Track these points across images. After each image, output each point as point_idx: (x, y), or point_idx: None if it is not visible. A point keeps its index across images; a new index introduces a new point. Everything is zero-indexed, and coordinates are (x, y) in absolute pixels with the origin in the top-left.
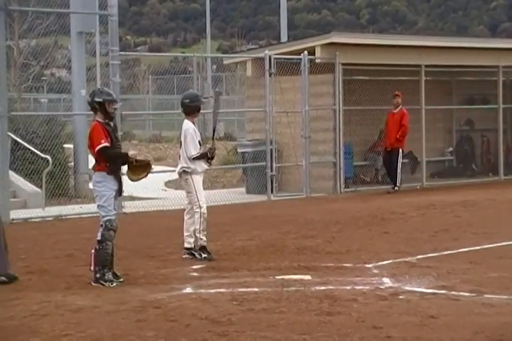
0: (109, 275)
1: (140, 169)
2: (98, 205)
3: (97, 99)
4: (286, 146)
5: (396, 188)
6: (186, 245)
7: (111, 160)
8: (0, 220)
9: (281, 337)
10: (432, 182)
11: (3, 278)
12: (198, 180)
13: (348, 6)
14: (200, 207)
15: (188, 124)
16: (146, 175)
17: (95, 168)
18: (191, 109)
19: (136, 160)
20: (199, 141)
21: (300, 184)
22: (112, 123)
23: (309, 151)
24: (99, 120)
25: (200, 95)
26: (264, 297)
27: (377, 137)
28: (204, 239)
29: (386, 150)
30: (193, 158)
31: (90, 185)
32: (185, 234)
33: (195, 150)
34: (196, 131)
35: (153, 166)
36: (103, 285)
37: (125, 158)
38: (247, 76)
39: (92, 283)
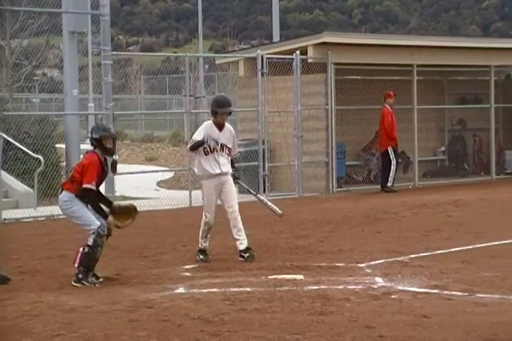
0: (92, 279)
1: (124, 215)
2: (77, 224)
3: (94, 136)
4: (279, 146)
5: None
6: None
7: (89, 202)
8: None
9: (273, 337)
10: (424, 182)
11: None
12: (206, 186)
13: (341, 5)
14: (205, 215)
15: (204, 124)
16: (132, 222)
17: (65, 186)
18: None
19: (120, 207)
20: (214, 140)
21: (292, 184)
22: (112, 158)
23: (301, 151)
24: (99, 154)
25: (222, 101)
26: (256, 297)
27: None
28: (204, 245)
29: (394, 149)
30: (190, 150)
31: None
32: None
33: (198, 137)
34: (209, 130)
35: (138, 210)
36: (83, 284)
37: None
38: (240, 76)
39: (73, 282)
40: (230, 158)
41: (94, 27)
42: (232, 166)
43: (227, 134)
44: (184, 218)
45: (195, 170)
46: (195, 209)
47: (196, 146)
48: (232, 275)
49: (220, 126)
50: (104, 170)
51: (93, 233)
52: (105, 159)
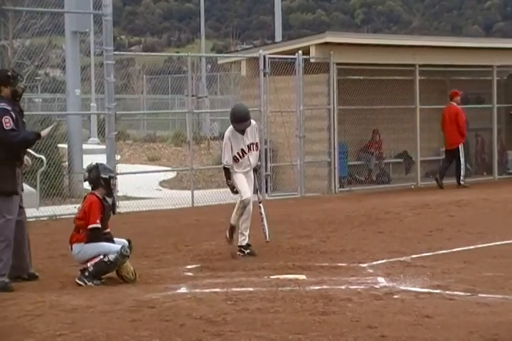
0: (96, 281)
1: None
2: (98, 257)
3: (103, 176)
4: (281, 146)
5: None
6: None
7: (93, 240)
8: (24, 222)
9: (275, 337)
10: (427, 182)
11: (25, 276)
12: (238, 176)
13: (343, 5)
14: (241, 196)
15: (227, 131)
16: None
17: (73, 239)
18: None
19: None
20: (242, 149)
21: (294, 184)
22: (110, 199)
23: (304, 151)
24: (98, 195)
25: (239, 117)
26: (258, 296)
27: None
28: (234, 223)
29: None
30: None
31: (85, 185)
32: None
33: (227, 158)
34: (232, 139)
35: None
36: (85, 283)
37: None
38: (242, 76)
39: (76, 280)
40: (257, 153)
41: (96, 27)
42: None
43: (251, 131)
44: (186, 218)
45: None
46: (198, 209)
47: (227, 174)
48: (234, 275)
49: (242, 130)
50: (106, 208)
51: (116, 252)
52: (105, 200)
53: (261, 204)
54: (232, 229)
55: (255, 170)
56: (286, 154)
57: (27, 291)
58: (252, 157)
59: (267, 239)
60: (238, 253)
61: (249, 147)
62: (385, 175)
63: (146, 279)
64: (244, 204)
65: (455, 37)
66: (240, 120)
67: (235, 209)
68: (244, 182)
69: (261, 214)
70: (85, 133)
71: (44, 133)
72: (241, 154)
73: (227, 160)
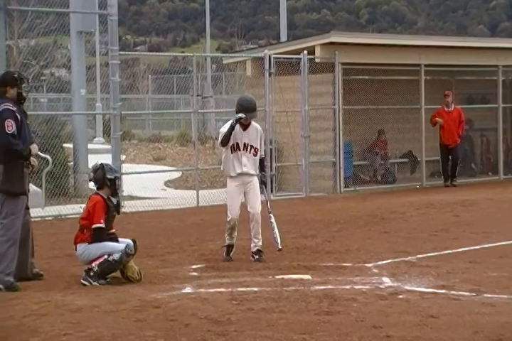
0: (101, 281)
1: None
2: (102, 257)
3: (109, 177)
4: (286, 146)
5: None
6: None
7: (97, 240)
8: (29, 223)
9: (280, 337)
10: (432, 182)
11: (30, 276)
12: (229, 184)
13: (348, 5)
14: (228, 216)
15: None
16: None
17: (77, 240)
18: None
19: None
20: (237, 143)
21: (299, 183)
22: (115, 199)
23: (309, 151)
24: (103, 195)
25: (247, 106)
26: (263, 296)
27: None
28: (228, 242)
29: (448, 147)
30: (222, 144)
31: (90, 185)
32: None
33: (220, 139)
34: (230, 128)
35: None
36: (90, 283)
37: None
38: (247, 75)
39: (82, 280)
40: (257, 159)
41: (101, 27)
42: (262, 169)
43: (253, 134)
44: (191, 218)
45: (222, 166)
46: (203, 208)
47: (227, 136)
48: (239, 275)
49: (244, 126)
50: (110, 209)
51: (121, 251)
52: (110, 200)
53: (271, 214)
54: (228, 248)
55: (263, 182)
56: (291, 154)
57: (32, 291)
58: (246, 158)
59: (279, 246)
60: (251, 258)
61: (245, 146)
62: (390, 175)
63: (151, 279)
64: (230, 226)
65: (460, 37)
66: (248, 110)
67: (225, 231)
68: (234, 198)
69: (271, 223)
70: (91, 133)
71: (34, 153)
72: (235, 147)
73: (223, 129)
